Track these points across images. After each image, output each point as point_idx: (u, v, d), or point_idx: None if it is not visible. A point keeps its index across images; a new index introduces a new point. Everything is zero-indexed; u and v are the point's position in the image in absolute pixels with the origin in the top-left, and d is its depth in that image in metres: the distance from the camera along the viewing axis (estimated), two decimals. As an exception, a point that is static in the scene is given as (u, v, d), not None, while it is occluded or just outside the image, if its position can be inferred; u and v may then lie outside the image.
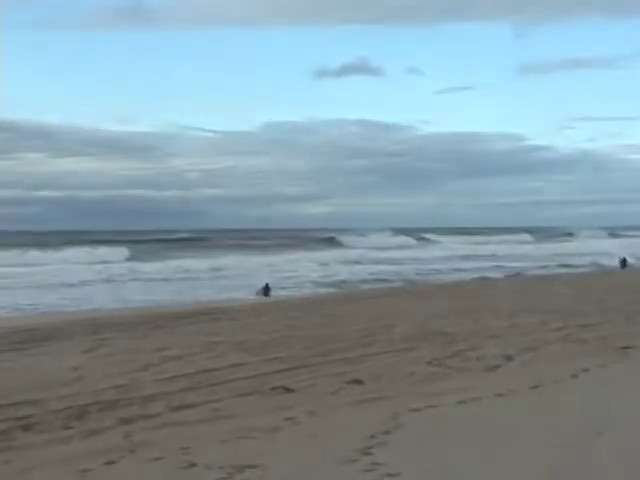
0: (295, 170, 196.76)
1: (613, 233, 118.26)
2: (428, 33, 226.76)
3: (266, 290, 34.00)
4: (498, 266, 51.57)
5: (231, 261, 54.10)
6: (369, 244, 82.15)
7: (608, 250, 63.72)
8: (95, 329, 19.34)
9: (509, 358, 13.45)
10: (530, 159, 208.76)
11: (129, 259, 61.83)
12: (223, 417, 9.68)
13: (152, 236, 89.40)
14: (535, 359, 13.41)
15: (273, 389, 11.31)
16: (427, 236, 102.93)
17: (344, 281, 41.46)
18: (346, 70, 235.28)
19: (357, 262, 57.58)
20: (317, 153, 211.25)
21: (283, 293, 34.73)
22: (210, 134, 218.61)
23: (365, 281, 41.34)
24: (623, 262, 48.28)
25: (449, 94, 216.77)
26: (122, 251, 66.34)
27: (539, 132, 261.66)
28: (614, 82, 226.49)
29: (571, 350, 14.17)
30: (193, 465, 7.50)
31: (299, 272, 46.87)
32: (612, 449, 7.61)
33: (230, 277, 43.47)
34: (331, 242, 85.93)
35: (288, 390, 11.25)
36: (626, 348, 14.04)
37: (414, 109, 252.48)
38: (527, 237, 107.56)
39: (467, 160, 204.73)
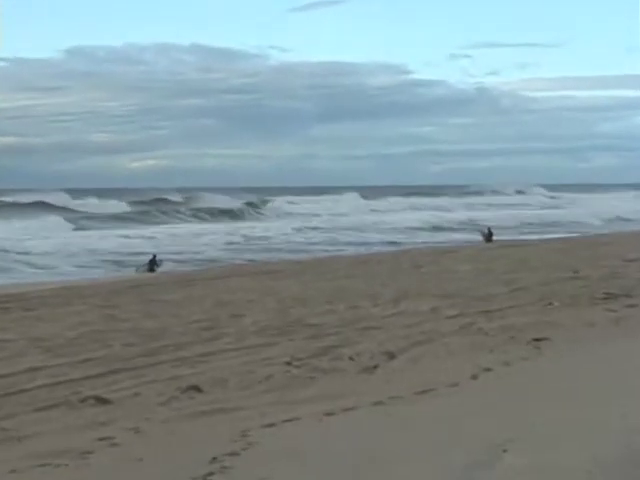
0: (110, 111, 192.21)
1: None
2: None
3: (152, 264, 33.61)
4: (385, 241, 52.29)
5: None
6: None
7: None
8: None
9: (391, 356, 13.70)
10: (416, 96, 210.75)
11: None
12: (14, 439, 9.57)
13: None
14: (424, 356, 13.71)
15: (83, 400, 11.24)
16: (290, 199, 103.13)
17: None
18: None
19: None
20: (138, 89, 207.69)
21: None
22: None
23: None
24: (488, 235, 46.31)
25: (309, 11, 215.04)
26: None
27: (426, 62, 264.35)
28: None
29: (470, 344, 14.53)
30: (-28, 505, 7.35)
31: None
32: (519, 469, 7.81)
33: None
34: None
35: (103, 401, 11.22)
36: (538, 340, 14.48)
37: (264, 31, 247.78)
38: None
39: (335, 98, 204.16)
